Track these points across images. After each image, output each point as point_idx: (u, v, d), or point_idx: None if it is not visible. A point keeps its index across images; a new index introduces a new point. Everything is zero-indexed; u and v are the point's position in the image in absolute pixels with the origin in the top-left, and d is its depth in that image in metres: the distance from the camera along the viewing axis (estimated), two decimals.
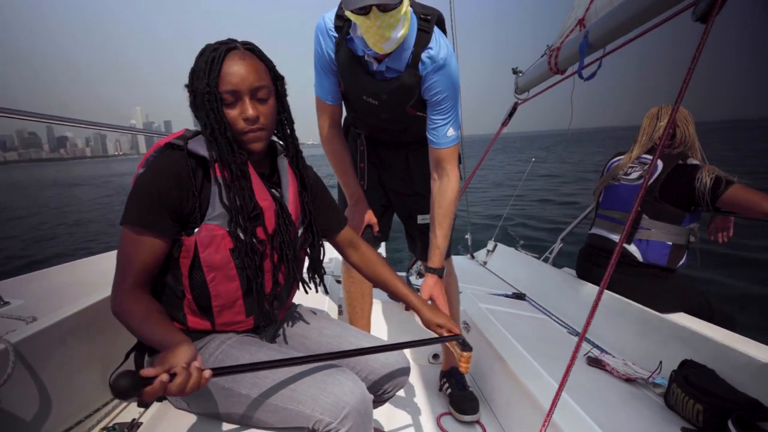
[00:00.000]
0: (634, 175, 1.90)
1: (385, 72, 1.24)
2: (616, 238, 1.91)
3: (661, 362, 1.40)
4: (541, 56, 2.37)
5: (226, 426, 0.96)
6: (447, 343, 1.09)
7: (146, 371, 0.59)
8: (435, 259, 1.35)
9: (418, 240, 1.66)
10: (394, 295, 1.21)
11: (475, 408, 1.57)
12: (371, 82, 1.27)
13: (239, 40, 0.93)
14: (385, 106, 1.32)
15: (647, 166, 1.87)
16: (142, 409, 1.13)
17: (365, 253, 1.23)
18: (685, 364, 1.31)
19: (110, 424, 1.12)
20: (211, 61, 0.86)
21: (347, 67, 1.27)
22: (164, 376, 0.59)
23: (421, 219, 1.55)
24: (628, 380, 1.40)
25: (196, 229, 0.89)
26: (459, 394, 1.63)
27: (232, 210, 0.89)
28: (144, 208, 0.85)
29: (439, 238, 1.35)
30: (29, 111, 1.48)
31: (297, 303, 1.29)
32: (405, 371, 1.11)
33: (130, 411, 1.20)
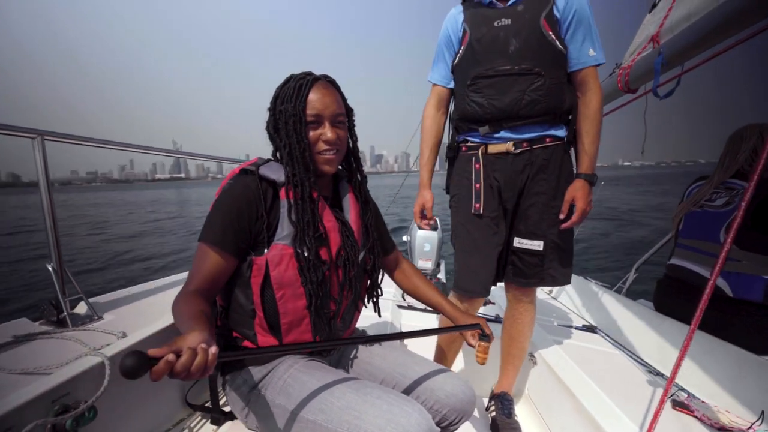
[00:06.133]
0: (720, 202, 1.74)
1: None
2: (699, 270, 1.75)
3: (763, 412, 1.24)
4: (609, 75, 2.29)
5: None
6: (465, 334, 1.14)
7: (153, 351, 0.58)
8: (583, 165, 1.40)
9: (508, 258, 1.53)
10: (429, 304, 1.28)
11: None
12: (502, 8, 1.38)
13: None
14: (518, 22, 1.35)
15: (734, 191, 1.71)
16: (215, 427, 1.19)
17: (405, 270, 1.33)
18: None
19: None
20: (298, 87, 0.96)
21: (476, 13, 1.42)
22: (170, 356, 0.58)
23: (517, 242, 1.48)
24: (722, 429, 1.25)
25: (265, 250, 0.95)
26: (502, 419, 1.57)
27: (299, 227, 0.95)
28: (214, 227, 0.92)
29: (587, 144, 1.38)
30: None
31: (361, 329, 1.30)
32: (471, 402, 1.08)
33: (204, 428, 1.26)
